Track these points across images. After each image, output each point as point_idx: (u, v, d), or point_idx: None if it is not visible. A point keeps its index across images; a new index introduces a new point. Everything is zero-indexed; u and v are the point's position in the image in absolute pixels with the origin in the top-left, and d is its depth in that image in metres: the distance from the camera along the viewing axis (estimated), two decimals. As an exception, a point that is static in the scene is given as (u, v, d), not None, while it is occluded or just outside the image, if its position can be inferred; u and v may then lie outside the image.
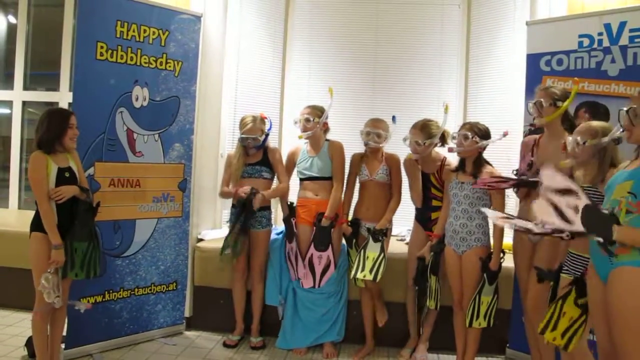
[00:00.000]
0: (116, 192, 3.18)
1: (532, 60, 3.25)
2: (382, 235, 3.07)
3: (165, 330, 3.45)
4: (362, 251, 3.07)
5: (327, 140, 3.32)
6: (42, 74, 4.80)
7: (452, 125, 3.39)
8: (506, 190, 2.82)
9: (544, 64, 3.21)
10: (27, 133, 4.54)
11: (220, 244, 3.27)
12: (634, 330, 1.73)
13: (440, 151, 3.14)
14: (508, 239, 3.39)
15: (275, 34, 4.30)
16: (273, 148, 3.39)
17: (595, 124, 2.25)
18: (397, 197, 3.22)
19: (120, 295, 3.23)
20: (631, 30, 2.93)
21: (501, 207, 2.77)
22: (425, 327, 3.21)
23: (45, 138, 2.58)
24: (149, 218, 3.32)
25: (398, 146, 3.23)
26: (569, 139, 2.27)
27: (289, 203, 3.33)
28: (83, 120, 2.89)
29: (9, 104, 4.61)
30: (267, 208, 3.35)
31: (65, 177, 2.61)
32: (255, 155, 3.31)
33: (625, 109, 1.89)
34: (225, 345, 3.33)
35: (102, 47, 3.06)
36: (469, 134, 2.77)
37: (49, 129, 2.59)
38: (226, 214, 3.96)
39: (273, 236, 3.45)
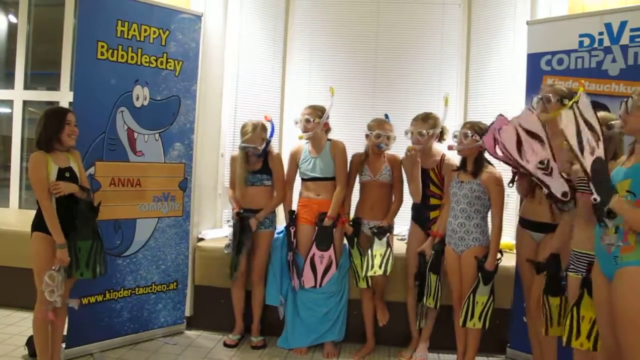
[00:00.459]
0: (117, 191, 3.18)
1: (533, 59, 3.25)
2: (386, 232, 3.09)
3: (166, 329, 3.45)
4: (369, 251, 3.09)
5: (328, 140, 3.31)
6: (42, 73, 4.80)
7: (452, 125, 3.39)
8: (506, 190, 2.82)
9: (544, 63, 3.21)
10: (28, 132, 4.53)
11: (220, 244, 3.31)
12: (638, 328, 1.73)
13: (439, 149, 3.15)
14: (509, 238, 3.40)
15: (276, 33, 4.30)
16: (274, 155, 3.37)
17: (599, 114, 2.25)
18: (399, 198, 3.23)
19: (120, 294, 3.23)
20: (632, 30, 2.92)
21: (501, 207, 2.77)
22: (426, 327, 3.21)
23: (43, 137, 2.59)
24: (149, 217, 3.33)
25: (397, 146, 3.23)
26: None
27: (290, 210, 3.33)
28: (83, 120, 2.89)
29: (9, 103, 4.61)
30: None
31: (65, 177, 2.60)
32: (257, 162, 3.32)
33: (625, 99, 1.93)
34: (225, 344, 3.33)
35: (102, 47, 3.06)
36: (469, 132, 2.77)
37: (46, 127, 2.60)
38: (226, 213, 3.97)
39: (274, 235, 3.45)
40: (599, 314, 1.99)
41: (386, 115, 3.26)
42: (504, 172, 2.86)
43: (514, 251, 2.95)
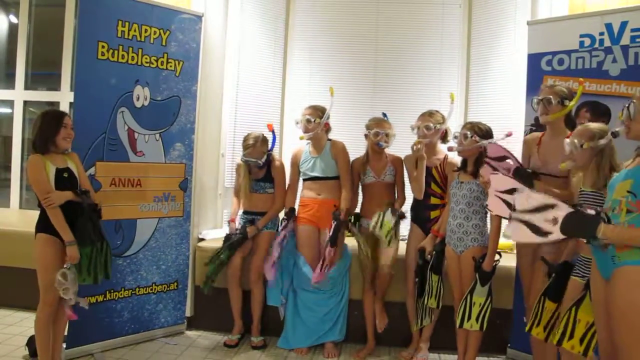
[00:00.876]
0: (117, 191, 3.18)
1: (533, 60, 3.25)
2: (399, 214, 3.09)
3: (166, 329, 3.45)
4: (381, 214, 3.04)
5: (329, 140, 3.32)
6: (43, 73, 4.80)
7: (452, 125, 3.39)
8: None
9: (545, 63, 3.21)
10: (28, 133, 4.53)
11: (221, 244, 3.31)
12: (632, 325, 1.73)
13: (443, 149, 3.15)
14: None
15: (276, 34, 4.30)
16: (277, 165, 3.40)
17: (593, 126, 2.24)
18: (402, 198, 3.25)
19: (121, 294, 3.23)
20: (632, 30, 2.92)
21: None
22: (426, 327, 3.21)
23: (39, 139, 2.58)
24: (150, 218, 3.33)
25: (398, 146, 3.24)
26: (567, 141, 2.26)
27: (291, 207, 3.36)
28: (84, 120, 2.89)
29: (10, 103, 4.61)
30: None
31: (63, 177, 2.60)
32: (260, 171, 3.37)
33: (627, 105, 1.91)
34: (225, 345, 3.33)
35: (103, 47, 3.06)
36: (469, 133, 2.77)
37: (42, 129, 2.59)
38: (227, 213, 3.97)
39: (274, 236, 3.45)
40: (597, 316, 1.99)
41: (384, 114, 3.26)
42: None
43: (514, 251, 2.95)
